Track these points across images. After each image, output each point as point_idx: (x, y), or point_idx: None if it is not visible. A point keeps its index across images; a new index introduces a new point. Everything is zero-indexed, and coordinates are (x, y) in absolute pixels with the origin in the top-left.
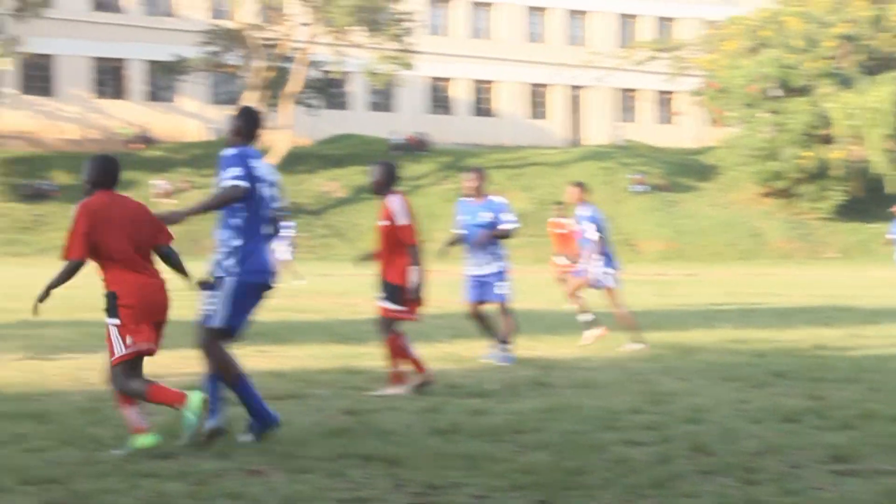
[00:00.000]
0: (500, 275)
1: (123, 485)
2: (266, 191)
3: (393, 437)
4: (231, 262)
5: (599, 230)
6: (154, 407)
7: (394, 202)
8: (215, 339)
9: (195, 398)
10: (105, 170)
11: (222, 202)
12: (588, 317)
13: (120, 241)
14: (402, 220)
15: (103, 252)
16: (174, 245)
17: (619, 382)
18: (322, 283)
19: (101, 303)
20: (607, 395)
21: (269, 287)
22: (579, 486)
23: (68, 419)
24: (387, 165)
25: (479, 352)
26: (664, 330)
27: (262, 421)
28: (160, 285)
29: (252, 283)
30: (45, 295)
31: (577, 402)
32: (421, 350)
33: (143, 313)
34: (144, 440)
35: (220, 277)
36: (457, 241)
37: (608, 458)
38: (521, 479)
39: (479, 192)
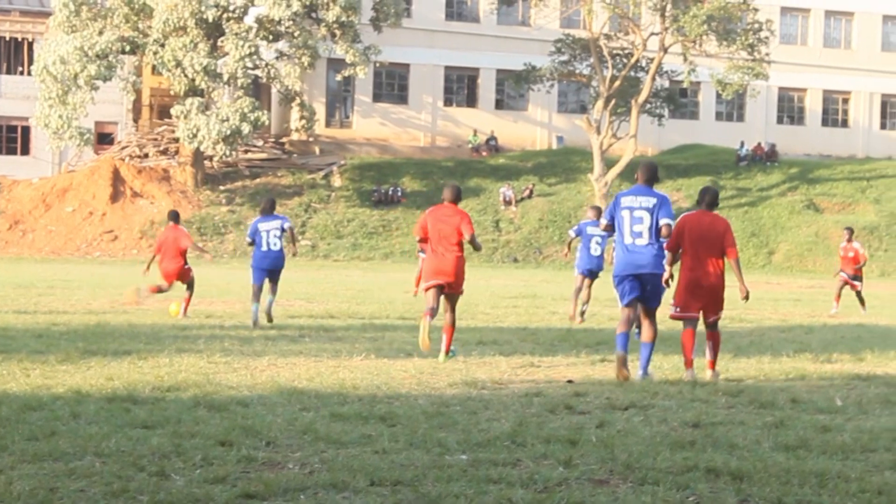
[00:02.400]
0: None
1: (470, 490)
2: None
3: (738, 452)
4: None
5: None
6: None
7: None
8: None
9: None
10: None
11: None
12: None
13: None
14: None
15: None
16: None
17: None
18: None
19: None
20: None
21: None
22: None
23: (414, 422)
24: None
25: (821, 367)
26: None
27: None
28: None
29: None
30: None
31: None
32: (764, 364)
33: None
34: None
35: None
36: None
37: None
38: (874, 500)
39: None
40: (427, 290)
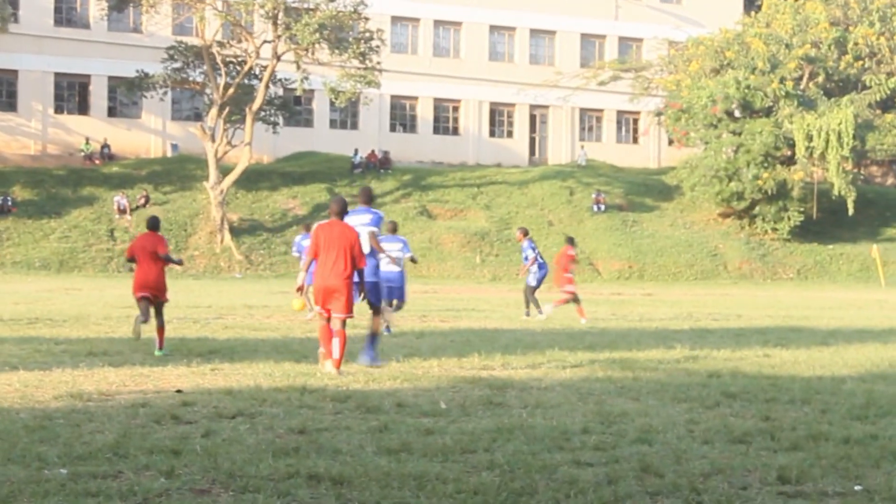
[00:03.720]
0: None
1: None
2: None
3: (341, 457)
4: None
5: None
6: None
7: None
8: None
9: None
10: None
11: None
12: None
13: None
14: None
15: None
16: None
17: (570, 402)
18: (278, 299)
19: None
20: (559, 415)
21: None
22: None
23: (14, 436)
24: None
25: (428, 370)
26: (619, 349)
27: None
28: None
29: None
30: None
31: (529, 421)
32: (373, 370)
33: None
34: None
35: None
36: None
37: (557, 479)
38: (469, 500)
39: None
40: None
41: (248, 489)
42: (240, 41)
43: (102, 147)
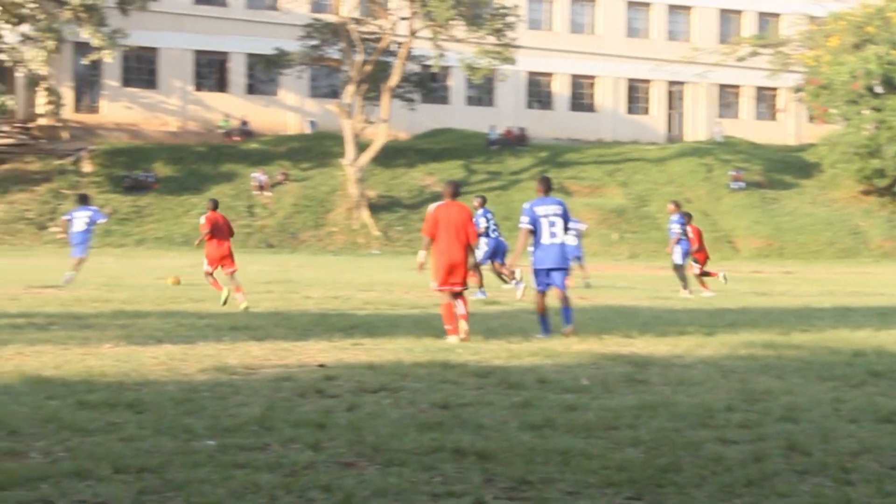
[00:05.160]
0: None
1: (216, 475)
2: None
3: (485, 432)
4: None
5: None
6: None
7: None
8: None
9: None
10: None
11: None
12: None
13: None
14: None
15: None
16: None
17: (713, 380)
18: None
19: None
20: (702, 393)
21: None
22: (672, 484)
23: (162, 409)
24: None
25: (569, 347)
26: (760, 327)
27: None
28: None
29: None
30: None
31: (672, 399)
32: (514, 345)
33: None
34: None
35: None
36: None
37: (702, 456)
38: (614, 476)
39: None
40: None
41: (394, 463)
42: (376, 18)
43: (241, 124)
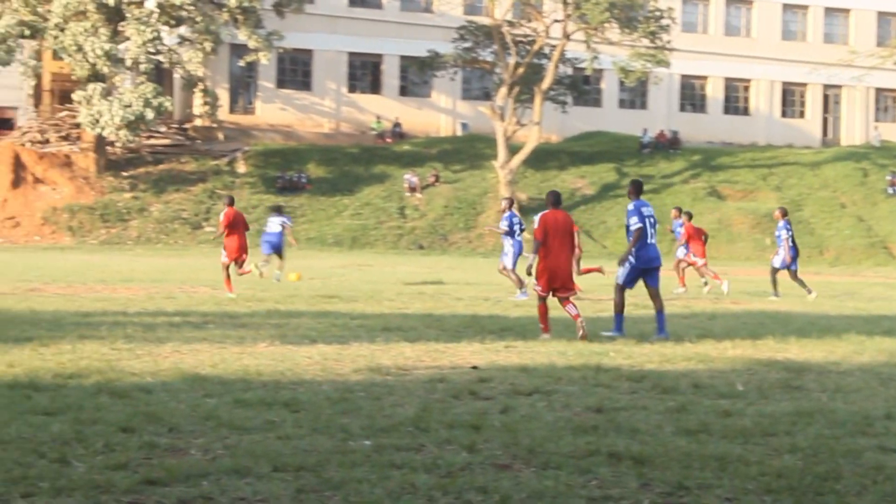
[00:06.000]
0: None
1: (374, 475)
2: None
3: (640, 436)
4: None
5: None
6: None
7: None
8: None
9: None
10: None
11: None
12: None
13: None
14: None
15: None
16: None
17: (871, 387)
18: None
19: None
20: (860, 400)
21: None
22: (832, 492)
23: (318, 408)
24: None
25: (723, 352)
26: None
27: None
28: None
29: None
30: None
31: (829, 405)
32: (667, 350)
33: None
34: None
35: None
36: None
37: (862, 464)
38: (773, 483)
39: None
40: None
41: (549, 465)
42: (529, 20)
43: (394, 126)
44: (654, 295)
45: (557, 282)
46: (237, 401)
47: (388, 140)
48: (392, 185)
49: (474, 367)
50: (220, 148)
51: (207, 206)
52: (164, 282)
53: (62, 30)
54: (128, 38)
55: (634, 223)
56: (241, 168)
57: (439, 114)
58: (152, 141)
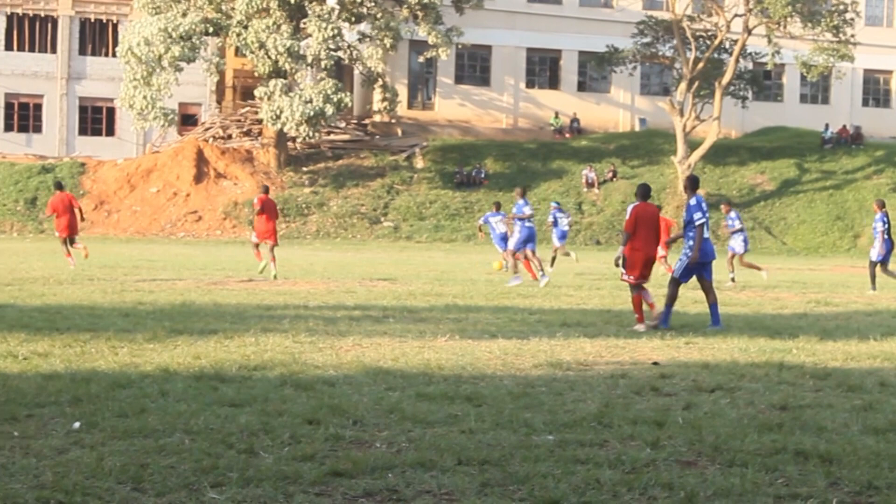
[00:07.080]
0: None
1: (558, 470)
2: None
3: (827, 435)
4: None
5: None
6: None
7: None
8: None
9: None
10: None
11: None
12: None
13: None
14: None
15: None
16: None
17: None
18: (746, 276)
19: None
20: None
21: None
22: None
23: (500, 402)
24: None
25: None
26: None
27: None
28: None
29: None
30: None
31: None
32: (852, 347)
33: None
34: None
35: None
36: None
37: None
38: None
39: None
40: None
41: (735, 463)
42: (710, 15)
43: (572, 121)
44: (708, 288)
45: (647, 270)
46: (419, 394)
47: (567, 135)
48: (569, 181)
49: (655, 363)
50: (398, 143)
51: (385, 201)
52: (343, 277)
53: (245, 27)
54: (309, 35)
55: (699, 218)
56: (419, 163)
57: (618, 109)
58: (332, 136)
